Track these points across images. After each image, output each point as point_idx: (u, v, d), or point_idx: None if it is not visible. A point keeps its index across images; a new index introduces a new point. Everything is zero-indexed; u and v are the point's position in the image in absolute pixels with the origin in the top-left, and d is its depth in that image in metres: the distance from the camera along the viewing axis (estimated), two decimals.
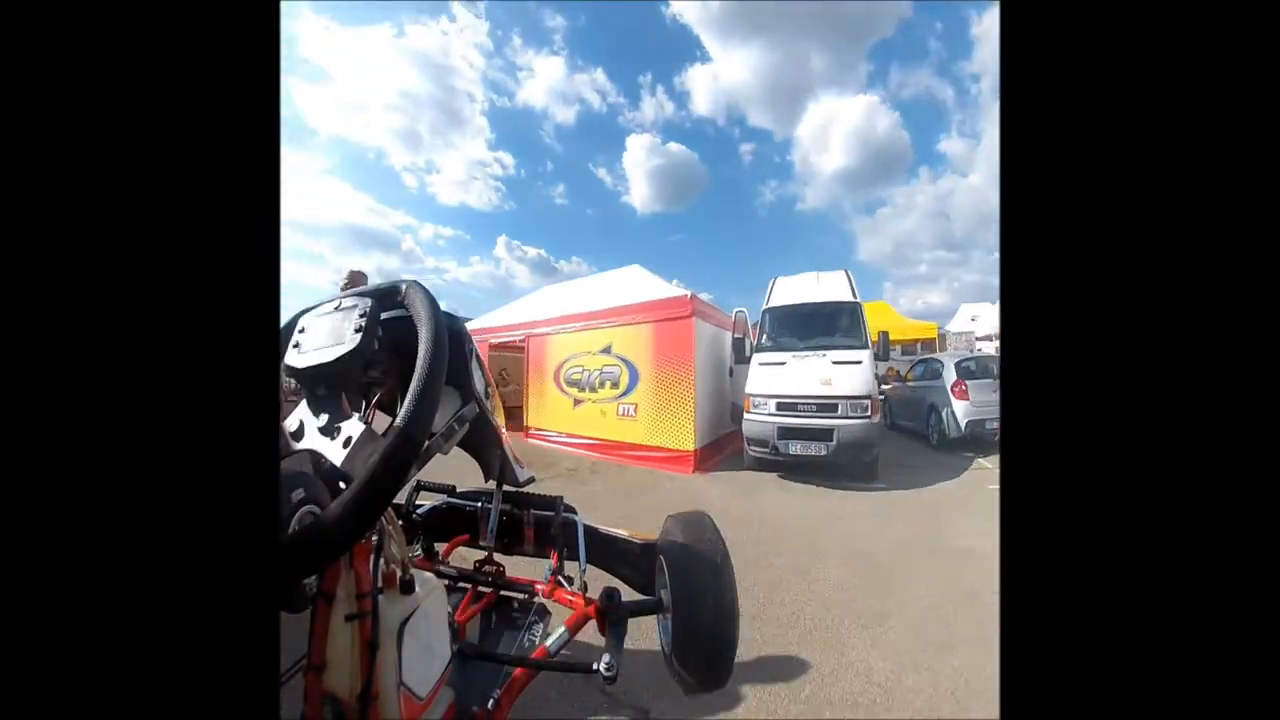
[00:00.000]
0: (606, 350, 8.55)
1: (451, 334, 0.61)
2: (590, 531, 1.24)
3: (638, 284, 9.13)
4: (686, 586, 0.92)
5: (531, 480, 1.18)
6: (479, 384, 0.84)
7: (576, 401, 9.09)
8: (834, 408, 6.22)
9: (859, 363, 6.53)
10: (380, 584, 0.66)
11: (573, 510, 1.27)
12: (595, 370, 8.71)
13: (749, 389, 6.95)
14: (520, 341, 10.86)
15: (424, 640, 0.71)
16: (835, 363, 6.57)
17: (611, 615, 0.95)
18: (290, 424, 0.62)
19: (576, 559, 1.19)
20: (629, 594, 1.04)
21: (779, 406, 6.54)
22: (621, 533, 1.25)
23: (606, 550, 1.24)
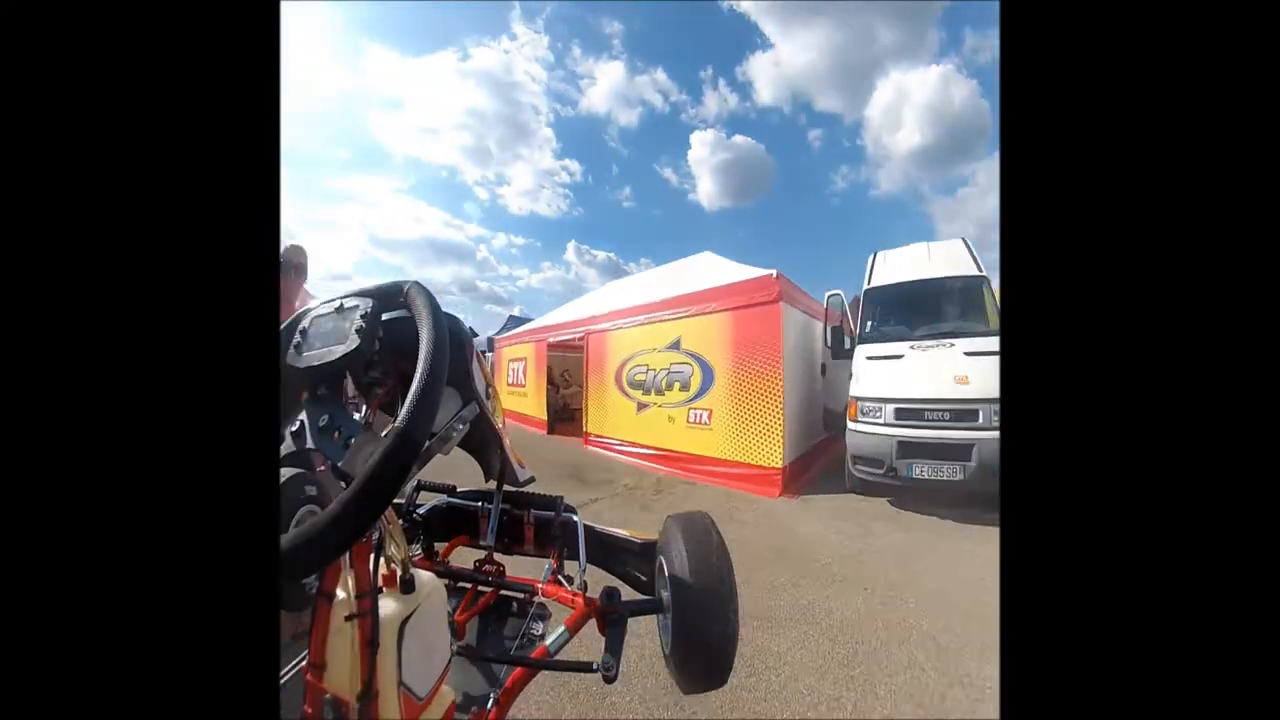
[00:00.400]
0: (675, 346, 7.30)
1: (452, 335, 0.61)
2: (590, 531, 1.20)
3: (711, 271, 7.83)
4: (686, 586, 0.89)
5: (531, 480, 1.15)
6: (480, 384, 0.82)
7: (640, 406, 7.90)
8: (973, 415, 4.69)
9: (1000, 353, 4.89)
10: (380, 583, 0.65)
11: (573, 510, 1.23)
12: (662, 370, 7.48)
13: (856, 390, 5.51)
14: (579, 339, 9.84)
15: (424, 640, 0.69)
16: (969, 354, 5.00)
17: (611, 615, 0.94)
18: (291, 424, 0.60)
19: (577, 559, 1.14)
20: (629, 594, 1.02)
21: (899, 414, 5.06)
22: (621, 532, 1.20)
23: (607, 550, 1.20)
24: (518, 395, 13.54)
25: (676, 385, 7.20)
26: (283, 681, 0.62)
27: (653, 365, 7.68)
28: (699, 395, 6.83)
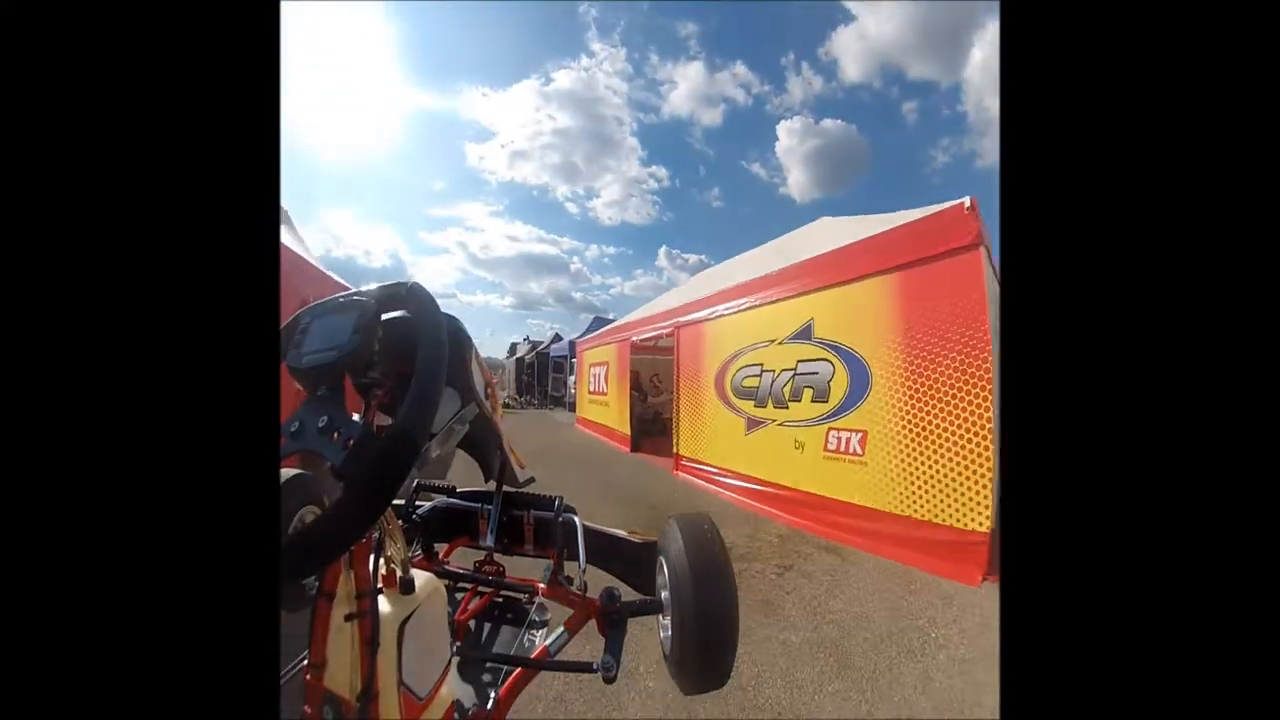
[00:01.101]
0: (804, 334, 5.00)
1: (452, 335, 0.62)
2: (590, 531, 1.19)
3: (836, 238, 5.40)
4: (687, 587, 0.88)
5: (531, 480, 1.18)
6: (479, 384, 0.83)
7: (752, 423, 5.64)
8: None
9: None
10: (380, 584, 0.66)
11: (572, 510, 1.22)
12: (783, 371, 5.20)
13: None
14: (669, 334, 7.75)
15: (424, 640, 0.71)
16: None
17: (611, 615, 0.97)
18: (291, 424, 0.60)
19: (576, 559, 1.12)
20: (629, 594, 1.05)
21: None
22: (621, 533, 1.22)
23: (607, 550, 1.21)
24: (598, 404, 11.78)
25: (807, 393, 4.87)
26: (283, 681, 0.62)
27: (769, 364, 5.40)
28: (845, 409, 4.49)
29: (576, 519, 1.18)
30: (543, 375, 24.59)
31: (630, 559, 1.18)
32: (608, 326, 13.37)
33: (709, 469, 6.39)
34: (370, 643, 0.60)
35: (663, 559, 0.98)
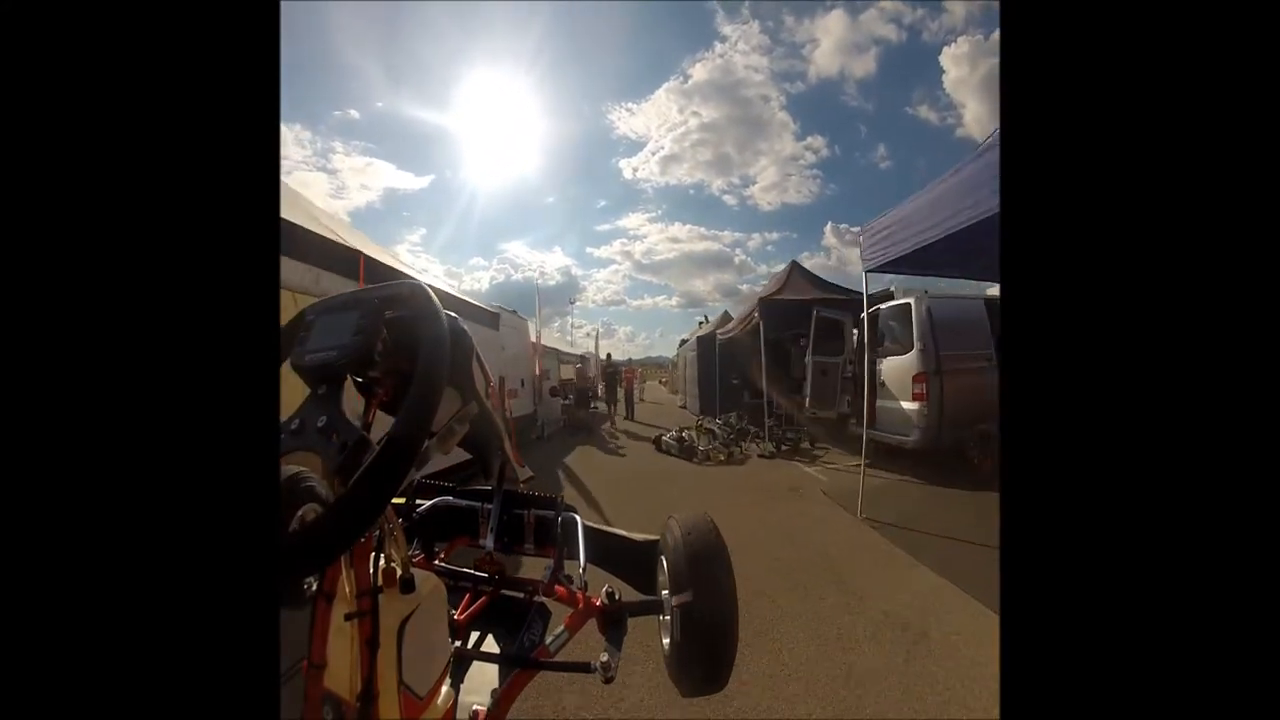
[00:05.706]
0: None
1: (453, 334, 0.62)
2: (590, 531, 1.21)
3: None
4: (687, 587, 0.90)
5: (531, 479, 0.95)
6: (480, 384, 0.84)
7: None
8: None
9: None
10: (380, 583, 0.65)
11: (573, 509, 1.24)
12: None
13: None
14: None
15: (424, 639, 0.70)
16: None
17: (611, 615, 0.97)
18: (291, 422, 0.59)
19: (577, 558, 1.15)
20: (629, 594, 1.07)
21: None
22: (622, 532, 1.24)
23: (607, 550, 1.22)
24: None
25: None
26: (283, 682, 0.61)
27: None
28: None
29: (577, 518, 1.18)
30: (780, 363, 9.87)
31: (631, 558, 1.16)
32: None
33: None
34: (370, 643, 0.59)
35: (663, 559, 0.98)
